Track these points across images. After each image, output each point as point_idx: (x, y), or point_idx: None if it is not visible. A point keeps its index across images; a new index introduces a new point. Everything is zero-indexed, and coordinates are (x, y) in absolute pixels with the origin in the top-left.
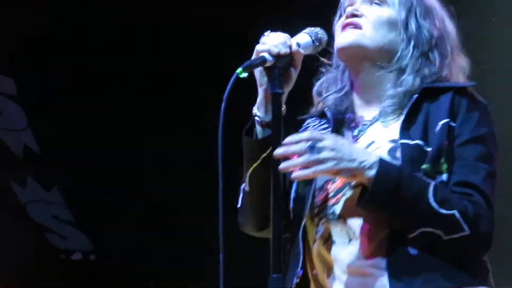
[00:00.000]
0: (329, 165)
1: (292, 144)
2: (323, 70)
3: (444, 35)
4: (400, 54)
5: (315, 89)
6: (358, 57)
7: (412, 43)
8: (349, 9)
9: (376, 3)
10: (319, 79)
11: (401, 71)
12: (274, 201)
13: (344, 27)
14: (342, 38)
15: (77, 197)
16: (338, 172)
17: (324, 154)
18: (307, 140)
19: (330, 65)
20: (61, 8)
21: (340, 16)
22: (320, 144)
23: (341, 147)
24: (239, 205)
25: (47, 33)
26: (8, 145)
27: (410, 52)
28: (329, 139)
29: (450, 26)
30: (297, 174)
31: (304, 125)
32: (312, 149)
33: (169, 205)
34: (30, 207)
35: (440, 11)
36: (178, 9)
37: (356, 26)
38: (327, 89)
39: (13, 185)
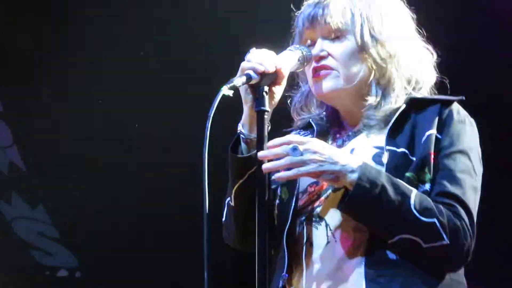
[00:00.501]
0: (311, 166)
1: (276, 147)
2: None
3: (403, 38)
4: (375, 81)
5: (293, 109)
6: (338, 99)
7: (380, 65)
8: (314, 51)
9: (336, 38)
10: (293, 96)
11: (382, 92)
12: (259, 216)
13: (316, 71)
14: (319, 87)
15: (62, 214)
16: (321, 174)
17: (306, 156)
18: (290, 142)
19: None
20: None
21: (295, 41)
22: (303, 146)
23: (323, 150)
24: (224, 219)
25: (32, 49)
26: None
27: (383, 76)
28: (312, 142)
29: (407, 25)
30: (279, 175)
31: None
32: (295, 150)
33: (156, 222)
34: (15, 224)
35: (392, 11)
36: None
37: (328, 68)
38: (306, 109)
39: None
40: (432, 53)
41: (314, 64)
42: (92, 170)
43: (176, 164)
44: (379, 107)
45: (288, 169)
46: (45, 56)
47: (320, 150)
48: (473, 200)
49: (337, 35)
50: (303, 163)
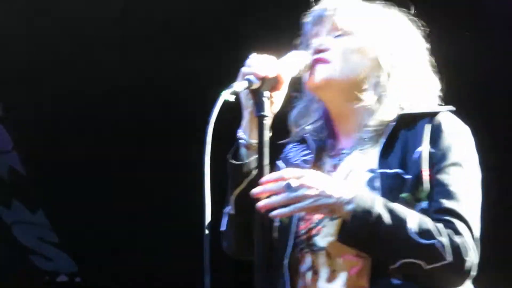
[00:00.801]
0: (307, 202)
1: (270, 183)
2: (295, 96)
3: (413, 56)
4: (371, 83)
5: (290, 119)
6: (331, 91)
7: (382, 70)
8: (315, 44)
9: (340, 35)
10: (293, 106)
11: (376, 100)
12: (258, 225)
13: (313, 63)
14: (313, 75)
15: (62, 219)
16: (317, 209)
17: (301, 191)
18: (285, 178)
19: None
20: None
21: (303, 44)
22: (297, 181)
23: (318, 184)
24: (223, 229)
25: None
26: None
27: (380, 80)
28: (306, 177)
29: (418, 44)
30: (276, 212)
31: (285, 150)
32: (289, 187)
33: (157, 228)
34: (15, 229)
35: (405, 30)
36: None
37: (325, 61)
38: (303, 120)
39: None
40: (438, 84)
41: (312, 57)
42: (92, 175)
43: (178, 170)
44: (372, 113)
45: (284, 205)
46: (45, 60)
47: (315, 185)
48: (472, 212)
49: (342, 32)
50: (299, 199)
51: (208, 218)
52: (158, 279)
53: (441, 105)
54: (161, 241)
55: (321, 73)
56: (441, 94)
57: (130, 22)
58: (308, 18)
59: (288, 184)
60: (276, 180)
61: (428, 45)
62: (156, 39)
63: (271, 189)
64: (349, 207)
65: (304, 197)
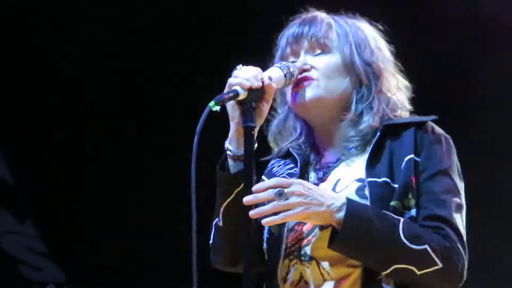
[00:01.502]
0: (297, 210)
1: (261, 191)
2: (272, 112)
3: (385, 62)
4: (355, 98)
5: (270, 136)
6: (318, 110)
7: (364, 84)
8: (297, 64)
9: (320, 53)
10: (269, 122)
11: (360, 114)
12: (246, 236)
13: (298, 83)
14: (299, 96)
15: (51, 229)
16: (308, 217)
17: (292, 199)
18: (275, 187)
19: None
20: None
21: (280, 58)
22: (287, 190)
23: (308, 192)
24: (211, 241)
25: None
26: None
27: (363, 93)
28: (296, 185)
29: (386, 50)
30: (267, 220)
31: (269, 166)
32: (280, 195)
33: (145, 238)
34: (3, 239)
35: (374, 37)
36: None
37: (311, 80)
38: (283, 137)
39: None
40: (409, 85)
41: (296, 78)
42: (81, 185)
43: (167, 181)
44: (356, 125)
45: (275, 213)
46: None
47: (305, 192)
48: (460, 218)
49: (321, 50)
50: (290, 207)
51: (194, 228)
52: None
53: (423, 113)
54: (153, 254)
55: (308, 93)
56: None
57: None
58: (284, 37)
59: (278, 192)
60: (267, 188)
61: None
62: None
63: (262, 197)
64: (340, 214)
65: (295, 205)
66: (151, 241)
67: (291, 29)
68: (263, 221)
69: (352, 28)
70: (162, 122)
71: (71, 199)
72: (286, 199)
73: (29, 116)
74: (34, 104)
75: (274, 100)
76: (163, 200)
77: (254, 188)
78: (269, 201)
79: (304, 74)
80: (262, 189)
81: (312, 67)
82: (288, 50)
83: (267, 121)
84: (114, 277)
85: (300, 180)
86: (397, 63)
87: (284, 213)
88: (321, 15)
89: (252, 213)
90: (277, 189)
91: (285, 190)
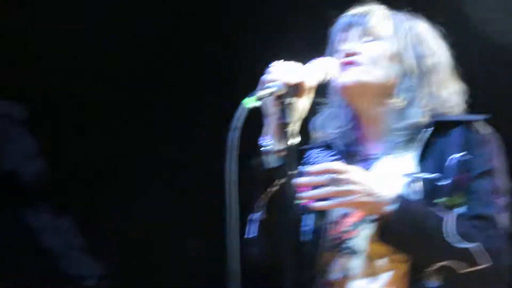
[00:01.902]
0: (351, 198)
1: (315, 174)
2: (320, 102)
3: (439, 61)
4: (401, 87)
5: (315, 124)
6: (361, 94)
7: (410, 75)
8: (345, 48)
9: (370, 40)
10: (317, 112)
11: (405, 104)
12: (285, 229)
13: (344, 66)
14: (344, 77)
15: (89, 222)
16: (359, 206)
17: (347, 187)
18: (331, 171)
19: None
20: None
21: (331, 52)
22: (343, 176)
23: (363, 181)
24: (251, 235)
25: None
26: (20, 171)
27: (410, 85)
28: (352, 172)
29: (443, 50)
30: (318, 204)
31: (307, 155)
32: (335, 181)
33: (185, 230)
34: (41, 233)
35: (432, 36)
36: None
37: (355, 64)
38: (329, 125)
39: (27, 211)
40: (464, 87)
41: (342, 60)
42: (119, 177)
43: (202, 180)
44: (402, 116)
45: (325, 198)
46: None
47: (360, 181)
48: (507, 219)
49: (371, 38)
50: (343, 194)
51: (235, 225)
52: (189, 284)
53: (473, 112)
54: (190, 245)
55: (352, 75)
56: (467, 99)
57: None
58: (336, 25)
59: (334, 178)
60: (322, 172)
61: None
62: None
63: (316, 181)
64: (391, 207)
65: (349, 192)
66: (191, 235)
67: (344, 18)
68: (315, 204)
69: (409, 22)
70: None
71: (110, 192)
72: (341, 185)
73: (65, 112)
74: (70, 99)
75: (317, 93)
76: (198, 198)
77: (309, 170)
78: (319, 186)
79: (350, 58)
80: (317, 173)
81: (358, 52)
82: (339, 37)
83: (313, 114)
84: (154, 270)
85: (356, 168)
86: (457, 66)
87: (337, 200)
88: (376, 6)
89: (303, 195)
90: (333, 174)
91: (341, 176)
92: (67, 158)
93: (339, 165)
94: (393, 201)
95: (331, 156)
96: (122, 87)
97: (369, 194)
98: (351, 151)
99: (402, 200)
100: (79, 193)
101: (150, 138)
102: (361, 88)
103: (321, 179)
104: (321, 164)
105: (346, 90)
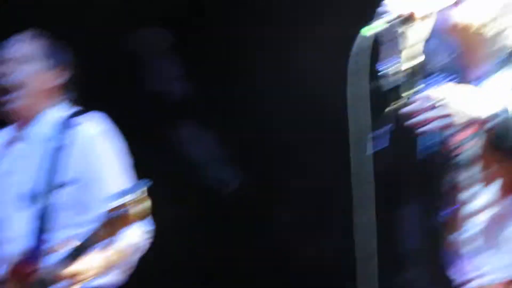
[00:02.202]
0: (455, 118)
1: (419, 101)
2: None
3: None
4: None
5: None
6: (468, 34)
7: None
8: None
9: None
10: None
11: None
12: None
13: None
14: (452, 16)
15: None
16: (464, 124)
17: (448, 110)
18: (433, 97)
19: None
20: None
21: None
22: (445, 100)
23: (465, 99)
24: (379, 148)
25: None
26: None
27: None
28: (453, 94)
29: None
30: (425, 128)
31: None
32: (437, 104)
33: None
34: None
35: None
36: None
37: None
38: (437, 51)
39: None
40: None
41: None
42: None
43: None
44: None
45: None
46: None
47: (462, 101)
48: None
49: None
50: (448, 116)
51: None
52: None
53: None
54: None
55: (459, 15)
56: None
57: None
58: None
59: (436, 102)
60: (425, 98)
61: None
62: None
63: (420, 107)
64: (497, 120)
65: (452, 114)
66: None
67: None
68: (420, 130)
69: None
70: None
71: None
72: (444, 109)
73: None
74: None
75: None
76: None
77: (413, 98)
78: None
79: None
80: (421, 99)
81: None
82: None
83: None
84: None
85: (458, 87)
86: None
87: (441, 121)
88: None
89: (410, 122)
90: (435, 97)
91: (443, 99)
92: None
93: (439, 90)
94: (496, 115)
95: (443, 79)
96: None
97: (470, 112)
98: (458, 74)
99: (505, 111)
100: None
101: None
102: (465, 28)
103: (424, 105)
104: (423, 92)
105: (451, 28)
